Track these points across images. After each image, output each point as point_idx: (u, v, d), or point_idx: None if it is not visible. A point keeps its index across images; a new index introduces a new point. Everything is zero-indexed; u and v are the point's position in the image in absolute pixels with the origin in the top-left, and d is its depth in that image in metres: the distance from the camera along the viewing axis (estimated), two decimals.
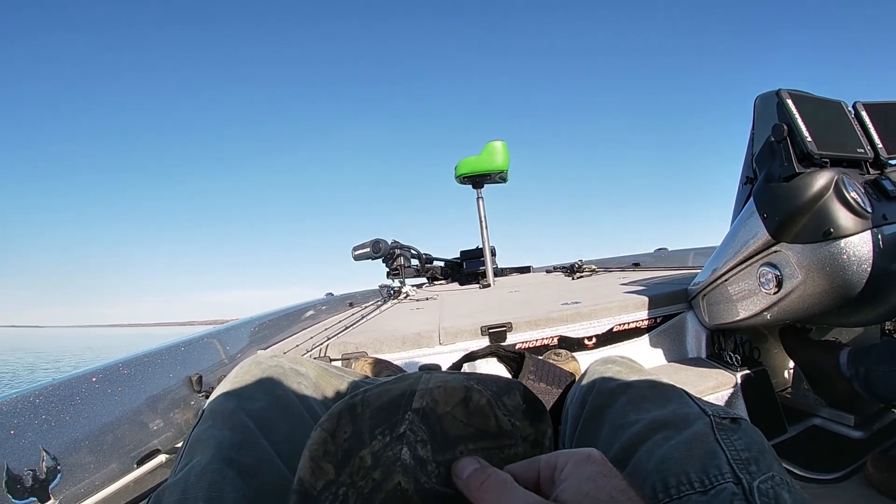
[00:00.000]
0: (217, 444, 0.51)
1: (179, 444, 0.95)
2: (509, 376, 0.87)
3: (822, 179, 1.04)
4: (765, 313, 1.21)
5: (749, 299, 1.24)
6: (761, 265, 1.18)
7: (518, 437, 0.40)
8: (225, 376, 0.67)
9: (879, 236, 1.03)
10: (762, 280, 1.18)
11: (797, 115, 1.08)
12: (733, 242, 1.26)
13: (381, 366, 1.19)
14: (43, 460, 0.73)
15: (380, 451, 0.36)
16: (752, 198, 1.18)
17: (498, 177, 2.65)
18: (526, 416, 0.42)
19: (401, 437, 0.37)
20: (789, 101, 1.10)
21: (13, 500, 0.66)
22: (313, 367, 0.71)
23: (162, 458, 0.95)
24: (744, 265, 1.23)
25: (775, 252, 1.14)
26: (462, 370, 0.81)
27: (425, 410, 0.39)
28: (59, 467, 0.75)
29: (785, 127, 1.08)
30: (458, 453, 0.37)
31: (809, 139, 1.06)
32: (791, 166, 1.07)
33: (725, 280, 1.30)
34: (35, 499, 0.70)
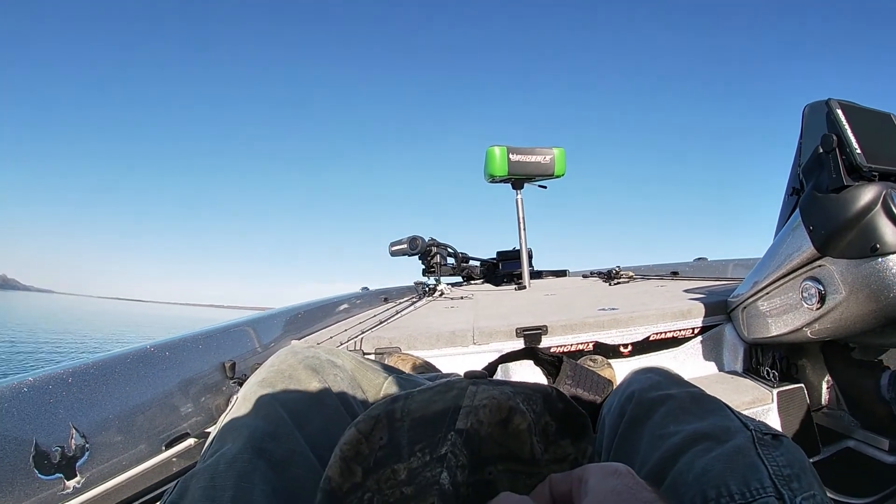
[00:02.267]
0: (249, 434, 0.52)
1: (209, 429, 0.94)
2: (545, 381, 0.87)
3: (870, 193, 1.01)
4: (805, 329, 1.18)
5: (790, 314, 1.21)
6: (805, 279, 1.15)
7: (548, 463, 0.39)
8: (259, 364, 0.68)
9: None
10: (805, 295, 1.15)
11: (847, 126, 1.05)
12: (777, 255, 1.23)
13: (415, 363, 1.19)
14: (72, 437, 0.73)
15: (417, 468, 0.36)
16: (797, 209, 1.15)
17: (539, 176, 2.66)
18: (567, 434, 0.41)
19: (441, 459, 0.36)
20: (839, 111, 1.07)
21: (39, 476, 0.66)
22: (350, 360, 0.72)
23: (191, 441, 0.96)
24: (787, 278, 1.21)
25: (819, 266, 1.11)
26: (496, 372, 0.81)
27: (469, 433, 0.37)
28: (87, 445, 0.74)
29: (834, 137, 1.05)
30: (486, 474, 0.36)
31: (859, 151, 1.03)
32: (839, 178, 1.04)
33: (767, 293, 1.27)
34: (61, 475, 0.70)
